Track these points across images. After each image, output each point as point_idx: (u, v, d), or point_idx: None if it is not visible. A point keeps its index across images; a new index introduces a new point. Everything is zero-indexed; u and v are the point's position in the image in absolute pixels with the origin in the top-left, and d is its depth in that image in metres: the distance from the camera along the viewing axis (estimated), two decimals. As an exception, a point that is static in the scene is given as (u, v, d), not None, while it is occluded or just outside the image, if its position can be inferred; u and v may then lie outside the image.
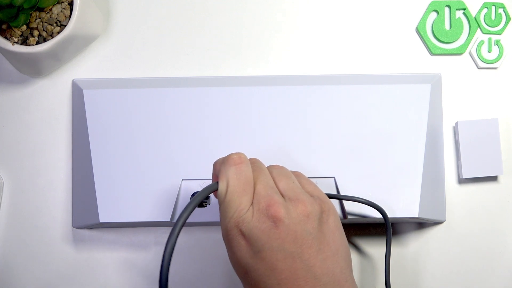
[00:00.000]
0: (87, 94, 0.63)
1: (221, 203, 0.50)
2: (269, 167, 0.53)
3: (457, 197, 0.65)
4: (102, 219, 0.61)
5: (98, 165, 0.62)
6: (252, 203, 0.49)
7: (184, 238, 0.65)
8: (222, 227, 0.50)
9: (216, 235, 0.65)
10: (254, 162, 0.53)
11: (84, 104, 0.63)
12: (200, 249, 0.65)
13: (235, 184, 0.50)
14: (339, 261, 0.49)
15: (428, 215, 0.62)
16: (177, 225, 0.47)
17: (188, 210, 0.48)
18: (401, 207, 0.60)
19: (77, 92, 0.64)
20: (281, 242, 0.48)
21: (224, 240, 0.50)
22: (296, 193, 0.51)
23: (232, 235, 0.49)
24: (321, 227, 0.50)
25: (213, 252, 0.65)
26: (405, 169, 0.61)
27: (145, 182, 0.61)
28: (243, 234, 0.48)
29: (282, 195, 0.51)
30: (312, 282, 0.47)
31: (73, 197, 0.64)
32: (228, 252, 0.50)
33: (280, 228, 0.48)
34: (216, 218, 0.61)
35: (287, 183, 0.52)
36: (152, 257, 0.65)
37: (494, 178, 0.65)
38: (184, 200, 0.61)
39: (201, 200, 0.50)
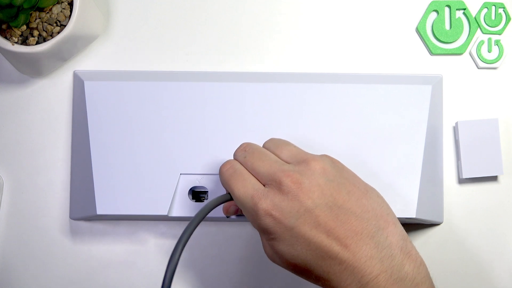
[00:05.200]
0: (88, 86, 0.63)
1: (240, 207, 0.52)
2: (264, 143, 0.55)
3: (457, 197, 0.65)
4: (99, 211, 0.61)
5: (97, 158, 0.62)
6: (264, 185, 0.51)
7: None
8: (254, 225, 0.51)
9: (215, 230, 0.65)
10: (246, 147, 0.54)
11: (84, 96, 0.63)
12: (200, 246, 0.65)
13: (234, 183, 0.52)
14: (373, 198, 0.51)
15: (426, 216, 0.62)
16: (182, 239, 0.49)
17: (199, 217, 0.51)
18: (398, 207, 0.60)
19: (78, 84, 0.64)
20: (312, 199, 0.49)
21: (261, 235, 0.52)
22: (302, 155, 0.52)
23: (264, 222, 0.50)
24: (341, 173, 0.52)
25: (213, 249, 0.65)
26: (403, 169, 0.61)
27: (143, 176, 0.61)
28: (273, 216, 0.49)
29: (289, 163, 0.52)
30: (356, 222, 0.49)
31: (71, 189, 0.64)
32: (269, 244, 0.51)
33: (304, 188, 0.49)
34: (214, 214, 0.61)
35: (288, 150, 0.54)
36: (152, 251, 0.65)
37: (494, 178, 0.65)
38: (182, 194, 0.62)
39: (210, 210, 0.52)
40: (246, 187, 0.51)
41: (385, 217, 0.50)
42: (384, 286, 0.47)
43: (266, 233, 0.50)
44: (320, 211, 0.49)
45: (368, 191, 0.51)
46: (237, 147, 0.55)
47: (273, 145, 0.55)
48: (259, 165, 0.52)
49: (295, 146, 0.54)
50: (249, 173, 0.52)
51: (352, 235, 0.48)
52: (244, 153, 0.54)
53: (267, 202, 0.50)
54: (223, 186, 0.54)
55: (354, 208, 0.50)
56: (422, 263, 0.50)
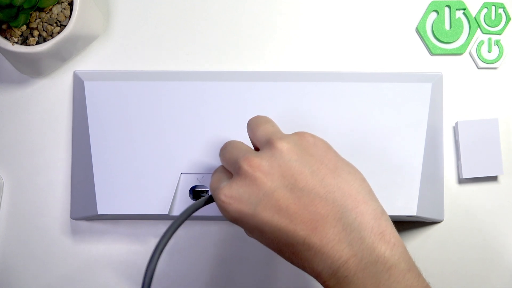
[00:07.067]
0: (88, 86, 0.63)
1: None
2: (248, 121, 0.53)
3: (457, 197, 0.65)
4: (100, 211, 0.61)
5: (97, 157, 0.62)
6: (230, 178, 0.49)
7: (182, 232, 0.64)
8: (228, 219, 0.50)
9: (214, 229, 0.65)
10: (223, 145, 0.53)
11: (85, 96, 0.63)
12: (198, 245, 0.65)
13: (210, 182, 0.51)
14: (342, 176, 0.47)
15: (426, 214, 0.62)
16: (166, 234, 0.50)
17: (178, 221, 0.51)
18: (399, 205, 0.60)
19: (78, 84, 0.64)
20: (271, 182, 0.47)
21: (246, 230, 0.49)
22: (271, 136, 0.49)
23: (228, 214, 0.48)
24: (307, 151, 0.48)
25: (213, 249, 0.65)
26: (404, 167, 0.61)
27: (144, 175, 0.61)
28: (232, 205, 0.47)
29: (259, 147, 0.50)
30: (321, 204, 0.46)
31: (71, 189, 0.64)
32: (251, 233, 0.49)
33: (262, 171, 0.47)
34: (214, 213, 0.61)
35: (264, 129, 0.51)
36: (151, 250, 0.65)
37: (494, 178, 0.65)
38: (183, 193, 0.62)
39: (190, 214, 0.51)
40: (214, 184, 0.50)
41: (354, 196, 0.46)
42: (355, 272, 0.44)
43: (237, 224, 0.48)
44: (280, 194, 0.46)
45: (337, 169, 0.47)
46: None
47: (253, 124, 0.52)
48: (229, 157, 0.50)
49: (273, 125, 0.52)
50: (225, 170, 0.51)
51: (317, 218, 0.45)
52: (221, 151, 0.53)
53: (225, 191, 0.47)
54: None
55: (317, 189, 0.46)
56: (397, 243, 0.46)
